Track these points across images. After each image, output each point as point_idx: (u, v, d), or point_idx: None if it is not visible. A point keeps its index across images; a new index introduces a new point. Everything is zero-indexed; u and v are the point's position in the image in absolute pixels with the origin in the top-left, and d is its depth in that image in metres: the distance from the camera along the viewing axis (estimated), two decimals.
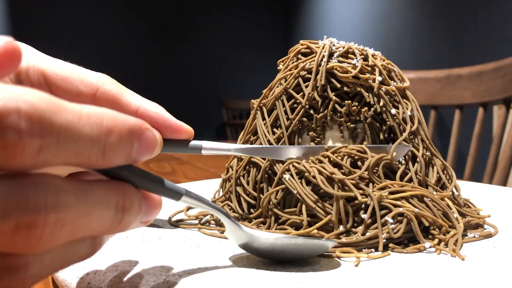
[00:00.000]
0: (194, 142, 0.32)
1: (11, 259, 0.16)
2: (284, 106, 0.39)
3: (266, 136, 0.39)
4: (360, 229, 0.31)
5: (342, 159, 0.34)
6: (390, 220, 0.31)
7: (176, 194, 0.22)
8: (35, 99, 0.15)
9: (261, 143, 0.39)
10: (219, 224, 0.38)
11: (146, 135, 0.19)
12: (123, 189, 0.19)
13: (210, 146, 0.34)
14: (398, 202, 0.32)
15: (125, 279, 0.25)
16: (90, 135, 0.17)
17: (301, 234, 0.32)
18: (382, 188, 0.33)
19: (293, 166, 0.35)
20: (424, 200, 0.33)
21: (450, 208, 0.34)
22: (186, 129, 0.30)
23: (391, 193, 0.33)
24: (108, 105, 0.28)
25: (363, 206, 0.33)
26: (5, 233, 0.15)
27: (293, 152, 0.36)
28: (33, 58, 0.27)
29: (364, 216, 0.32)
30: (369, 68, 0.39)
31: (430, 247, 0.31)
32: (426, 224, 0.32)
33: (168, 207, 0.44)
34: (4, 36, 0.17)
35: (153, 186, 0.21)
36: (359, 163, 0.35)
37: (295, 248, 0.28)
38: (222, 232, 0.36)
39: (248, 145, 0.36)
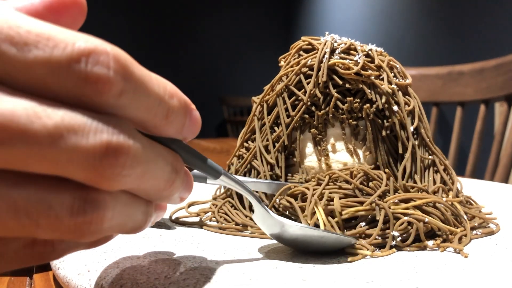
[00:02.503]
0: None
1: (92, 193, 0.17)
2: (285, 103, 0.39)
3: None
4: (375, 231, 0.31)
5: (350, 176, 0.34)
6: (396, 234, 0.31)
7: (216, 173, 0.24)
8: (117, 49, 0.16)
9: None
10: (220, 221, 0.38)
11: (194, 113, 0.20)
12: (176, 155, 0.21)
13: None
14: (409, 211, 0.32)
15: (126, 276, 0.25)
16: (158, 93, 0.18)
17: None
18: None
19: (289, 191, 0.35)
20: (437, 206, 0.33)
21: (459, 212, 0.34)
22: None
23: (402, 200, 0.33)
24: None
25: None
26: (95, 156, 0.16)
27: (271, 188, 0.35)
28: None
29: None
30: (371, 65, 0.39)
31: (433, 245, 0.31)
32: (438, 232, 0.32)
33: (169, 205, 0.44)
34: None
35: (197, 162, 0.22)
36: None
37: (318, 241, 0.29)
38: (224, 229, 0.36)
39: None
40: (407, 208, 0.32)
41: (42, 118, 0.14)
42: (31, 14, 0.17)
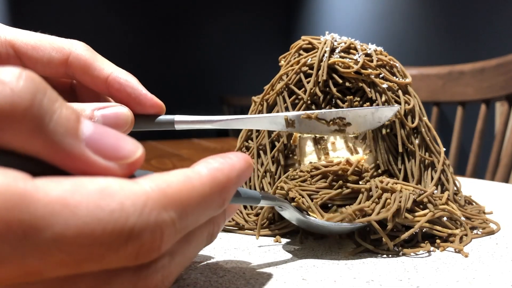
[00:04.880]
0: (165, 116, 0.31)
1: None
2: (285, 102, 0.39)
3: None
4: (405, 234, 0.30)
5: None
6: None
7: (255, 200, 0.25)
8: (174, 211, 0.16)
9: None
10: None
11: (248, 174, 0.21)
12: (213, 218, 0.21)
13: (183, 120, 0.32)
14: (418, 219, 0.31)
15: None
16: (210, 214, 0.19)
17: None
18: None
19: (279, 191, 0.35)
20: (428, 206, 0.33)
21: (454, 212, 0.34)
22: (157, 102, 0.29)
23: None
24: (80, 70, 0.28)
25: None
26: None
27: (270, 120, 0.35)
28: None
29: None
30: (371, 64, 0.39)
31: (435, 246, 0.31)
32: (441, 234, 0.32)
33: None
34: None
35: (235, 200, 0.23)
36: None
37: (337, 229, 0.31)
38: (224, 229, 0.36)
39: (225, 116, 0.34)
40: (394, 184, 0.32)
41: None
42: None
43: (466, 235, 0.33)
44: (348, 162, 0.34)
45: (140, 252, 0.15)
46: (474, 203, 0.41)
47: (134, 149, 0.17)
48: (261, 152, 0.39)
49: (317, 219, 0.31)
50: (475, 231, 0.34)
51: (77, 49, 0.28)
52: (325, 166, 0.34)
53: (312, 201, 0.32)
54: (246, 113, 0.43)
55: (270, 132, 0.39)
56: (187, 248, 0.19)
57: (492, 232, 0.34)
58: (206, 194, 0.18)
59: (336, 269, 0.27)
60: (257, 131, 0.40)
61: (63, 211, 0.14)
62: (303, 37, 0.42)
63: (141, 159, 0.17)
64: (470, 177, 0.74)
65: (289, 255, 0.30)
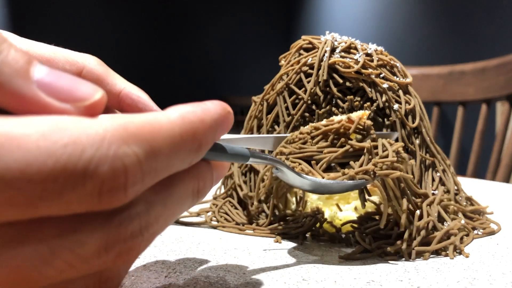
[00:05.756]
0: None
1: (107, 273, 0.17)
2: (285, 102, 0.39)
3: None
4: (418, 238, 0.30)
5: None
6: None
7: (244, 158, 0.23)
8: (137, 146, 0.15)
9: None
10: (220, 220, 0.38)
11: (227, 122, 0.19)
12: (197, 172, 0.20)
13: None
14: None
15: (126, 276, 0.25)
16: (183, 158, 0.17)
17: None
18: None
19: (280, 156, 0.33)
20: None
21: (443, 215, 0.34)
22: None
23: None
24: None
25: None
26: (107, 262, 0.16)
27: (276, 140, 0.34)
28: (14, 42, 0.27)
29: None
30: (371, 64, 0.38)
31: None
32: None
33: None
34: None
35: (221, 156, 0.21)
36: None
37: (341, 187, 0.29)
38: (224, 226, 0.36)
39: (234, 136, 0.35)
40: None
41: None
42: None
43: (467, 235, 0.33)
44: (349, 119, 0.32)
45: (103, 190, 0.14)
46: (475, 204, 0.41)
47: (92, 91, 0.16)
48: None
49: (315, 178, 0.29)
50: (476, 232, 0.34)
51: (90, 63, 0.28)
52: (326, 126, 0.32)
53: (315, 164, 0.31)
54: (246, 113, 0.42)
55: (270, 132, 0.39)
56: (168, 200, 0.18)
57: (493, 233, 0.34)
58: (175, 134, 0.16)
59: (337, 269, 0.27)
60: (258, 130, 0.40)
61: (9, 144, 0.13)
62: (303, 37, 0.42)
63: (101, 103, 0.16)
64: (471, 177, 0.74)
65: (289, 255, 0.30)
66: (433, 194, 0.35)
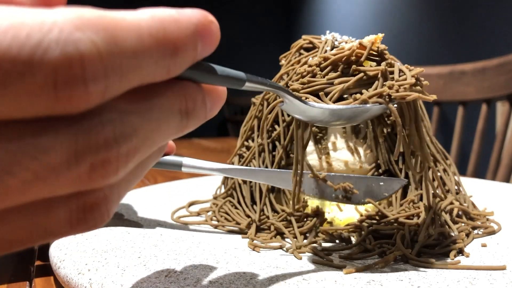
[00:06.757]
0: (174, 158, 0.32)
1: (91, 197, 0.15)
2: None
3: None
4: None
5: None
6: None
7: (239, 81, 0.20)
8: (94, 33, 0.13)
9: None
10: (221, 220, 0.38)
11: (209, 32, 0.17)
12: (183, 91, 0.17)
13: (190, 164, 0.34)
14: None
15: (126, 275, 0.25)
16: (154, 59, 0.15)
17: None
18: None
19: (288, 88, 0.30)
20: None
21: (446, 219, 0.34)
22: (169, 142, 0.28)
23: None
24: None
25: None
26: (82, 176, 0.14)
27: (279, 176, 0.34)
28: None
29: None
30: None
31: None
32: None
33: (169, 204, 0.44)
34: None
35: (213, 78, 0.19)
36: None
37: (349, 114, 0.27)
38: (224, 226, 0.36)
39: (229, 166, 0.35)
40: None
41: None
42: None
43: (467, 235, 0.33)
44: (361, 45, 0.29)
45: (58, 80, 0.12)
46: (475, 208, 0.41)
47: None
48: (262, 152, 0.39)
49: (323, 104, 0.26)
50: (476, 231, 0.34)
51: None
52: (335, 55, 0.29)
53: (323, 95, 0.28)
54: (246, 113, 0.42)
55: (270, 132, 0.39)
56: (147, 113, 0.16)
57: (493, 232, 0.34)
58: (142, 28, 0.14)
59: (337, 269, 0.27)
60: (258, 130, 0.40)
61: None
62: (303, 37, 0.42)
63: None
64: (471, 177, 0.74)
65: (290, 255, 0.30)
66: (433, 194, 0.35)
